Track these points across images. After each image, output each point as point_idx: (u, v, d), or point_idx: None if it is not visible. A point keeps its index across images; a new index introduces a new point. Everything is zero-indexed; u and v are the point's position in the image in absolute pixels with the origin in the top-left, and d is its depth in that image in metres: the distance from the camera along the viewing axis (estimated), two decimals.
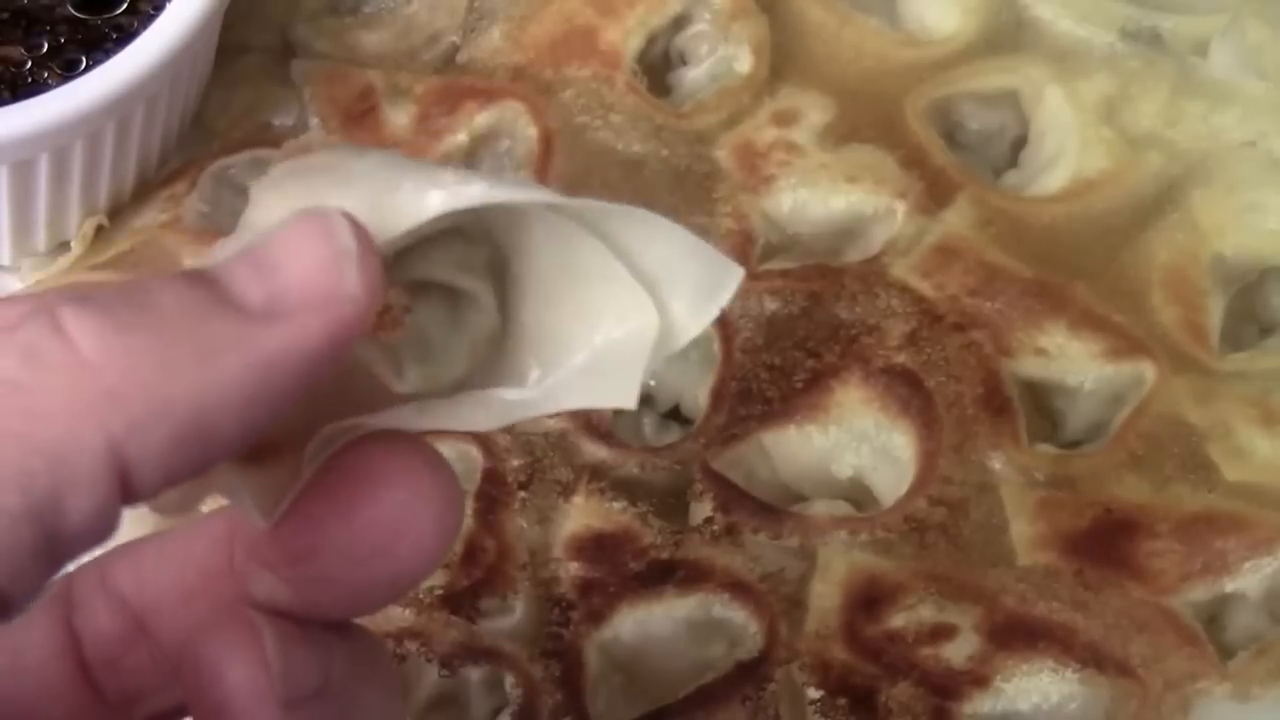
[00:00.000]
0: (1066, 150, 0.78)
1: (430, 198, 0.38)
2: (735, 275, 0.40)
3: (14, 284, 0.76)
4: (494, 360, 0.41)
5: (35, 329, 0.34)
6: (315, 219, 0.37)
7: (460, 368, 0.41)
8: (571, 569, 0.66)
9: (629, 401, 0.38)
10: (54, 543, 0.33)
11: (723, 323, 0.72)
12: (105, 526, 0.34)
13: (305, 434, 0.40)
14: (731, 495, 0.68)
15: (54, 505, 0.33)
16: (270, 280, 0.36)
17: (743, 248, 0.75)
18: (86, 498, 0.33)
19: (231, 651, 0.39)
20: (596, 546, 0.67)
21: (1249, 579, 0.66)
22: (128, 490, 0.34)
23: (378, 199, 0.38)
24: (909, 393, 0.70)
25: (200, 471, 0.36)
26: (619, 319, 0.40)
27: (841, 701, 0.63)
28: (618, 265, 0.39)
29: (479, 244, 0.41)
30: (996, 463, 0.69)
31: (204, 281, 0.36)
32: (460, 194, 0.38)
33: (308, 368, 0.36)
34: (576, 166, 0.77)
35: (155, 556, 0.44)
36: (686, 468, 0.69)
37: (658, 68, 0.83)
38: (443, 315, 0.41)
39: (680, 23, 0.83)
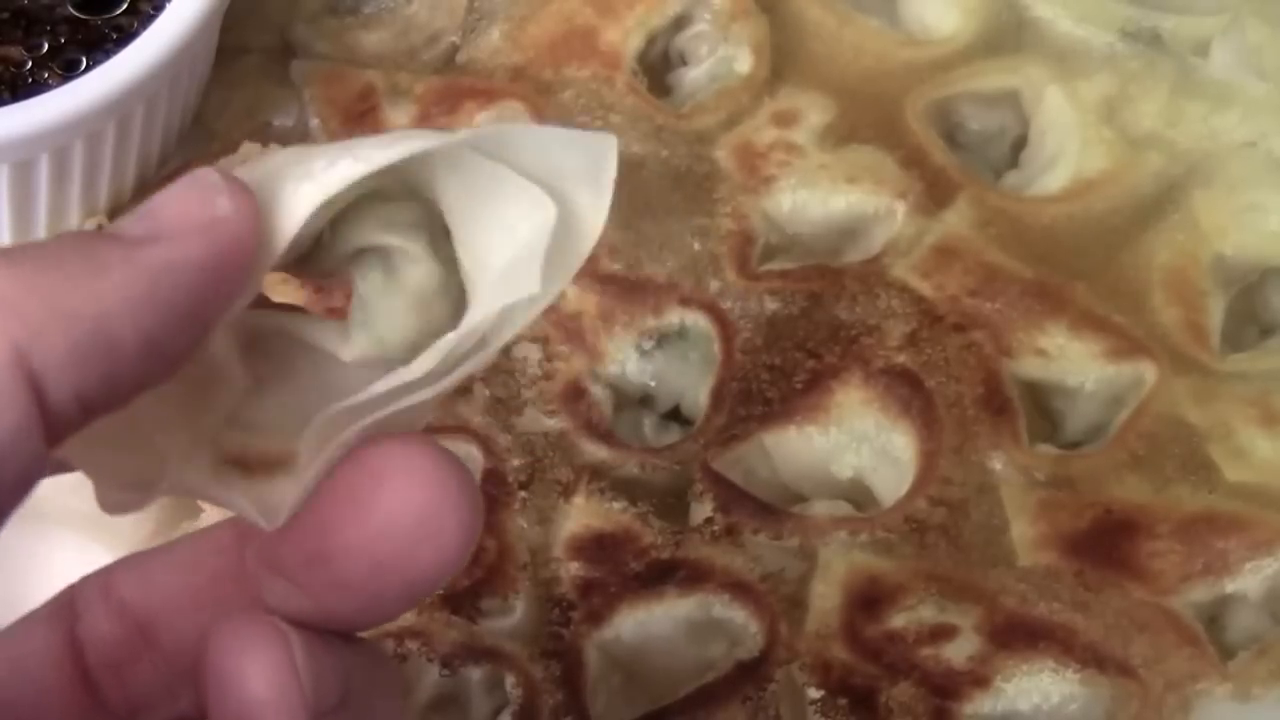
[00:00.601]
0: (1067, 150, 0.79)
1: (303, 193, 0.39)
2: (611, 144, 0.41)
3: None
4: (453, 311, 0.41)
5: None
6: (187, 176, 0.38)
7: (406, 325, 0.41)
8: (572, 569, 0.66)
9: (532, 286, 0.39)
10: None
11: (723, 323, 0.73)
12: (30, 447, 0.35)
13: (290, 434, 0.40)
14: (732, 495, 0.68)
15: None
16: (149, 218, 0.38)
17: (743, 248, 0.75)
18: (6, 411, 0.34)
19: (256, 660, 0.38)
20: (597, 546, 0.67)
21: (1249, 579, 0.66)
22: (44, 406, 0.34)
23: (271, 202, 0.39)
24: (909, 393, 0.70)
25: (112, 390, 0.36)
26: (525, 221, 0.40)
27: (842, 701, 0.63)
28: (512, 176, 0.40)
29: (403, 200, 0.41)
30: (997, 463, 0.69)
31: (91, 230, 0.37)
32: (328, 181, 0.39)
33: (192, 278, 0.37)
34: None
35: (162, 565, 0.44)
36: (687, 468, 0.70)
37: (657, 68, 0.83)
38: (380, 278, 0.41)
39: (680, 23, 0.83)
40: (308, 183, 0.39)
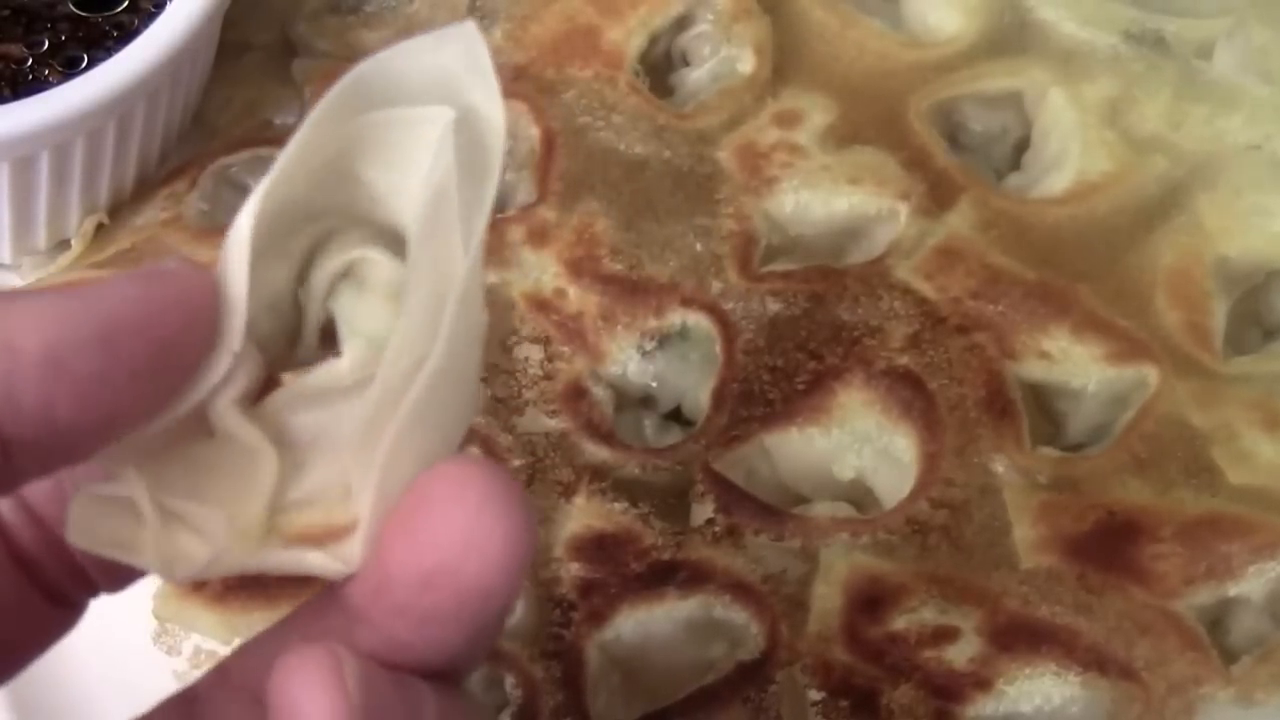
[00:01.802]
0: (1070, 153, 0.78)
1: (240, 221, 0.40)
2: (470, 30, 0.41)
3: (15, 281, 0.76)
4: None
5: None
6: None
7: (387, 317, 0.41)
8: (573, 569, 0.66)
9: (446, 182, 0.40)
10: None
11: (724, 324, 0.73)
12: None
13: (346, 497, 0.40)
14: (733, 496, 0.68)
15: None
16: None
17: (745, 249, 0.75)
18: None
19: (311, 682, 0.38)
20: (598, 547, 0.67)
21: (1253, 582, 0.66)
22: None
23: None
24: (911, 395, 0.70)
25: (64, 417, 0.37)
26: (431, 146, 0.41)
27: (843, 703, 0.63)
28: (401, 114, 0.41)
29: (350, 229, 0.42)
30: (999, 465, 0.69)
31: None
32: (253, 197, 0.40)
33: (131, 314, 0.38)
34: (578, 167, 0.77)
35: (271, 642, 0.44)
36: (688, 469, 0.69)
37: (660, 68, 0.84)
38: (351, 292, 0.42)
39: (682, 23, 0.83)
40: (242, 214, 0.40)
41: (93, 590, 0.45)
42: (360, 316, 0.41)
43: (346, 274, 0.42)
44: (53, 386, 0.37)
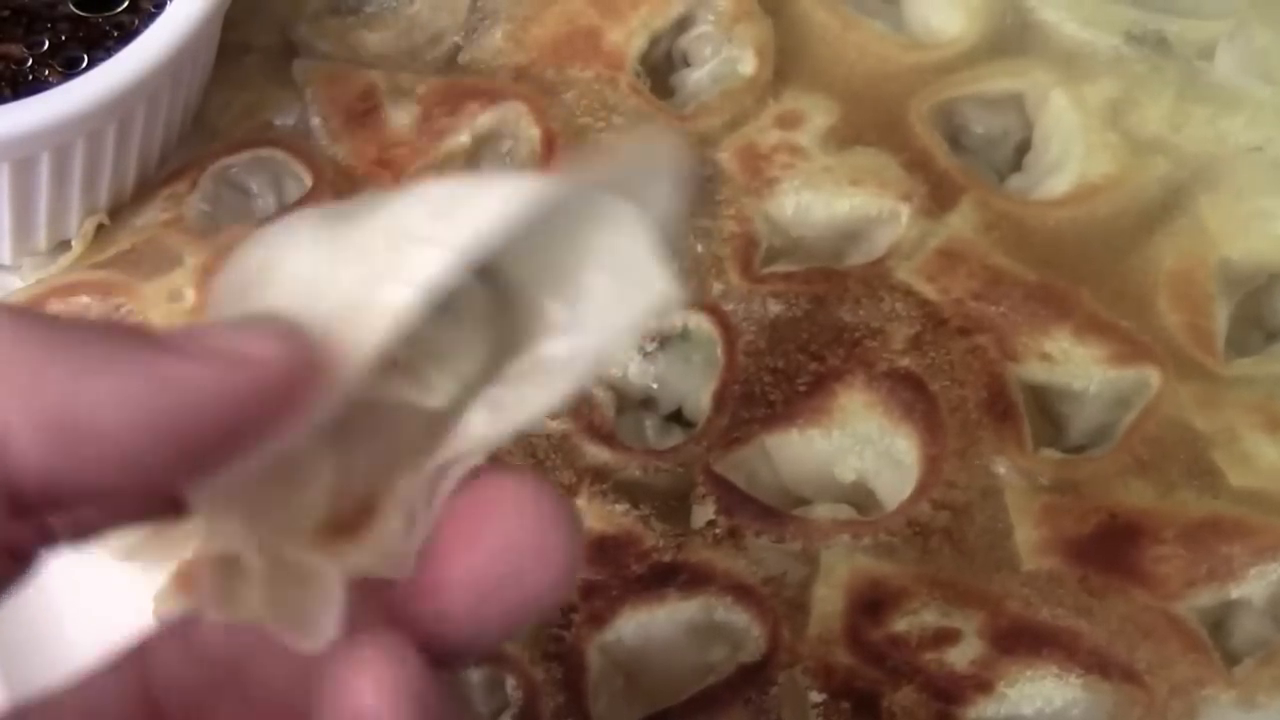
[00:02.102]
0: (1071, 154, 0.79)
1: (389, 304, 0.38)
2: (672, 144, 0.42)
3: (15, 283, 0.76)
4: (508, 332, 0.42)
5: None
6: (252, 315, 0.39)
7: (479, 351, 0.41)
8: None
9: (661, 284, 0.40)
10: None
11: (725, 325, 0.73)
12: None
13: (386, 493, 0.41)
14: (734, 498, 0.69)
15: None
16: (191, 336, 0.38)
17: (746, 250, 0.75)
18: None
19: (368, 674, 0.38)
20: (598, 549, 0.67)
21: (1254, 585, 0.66)
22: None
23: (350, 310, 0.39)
24: (913, 396, 0.71)
25: (90, 480, 0.36)
26: (608, 232, 0.41)
27: (844, 705, 0.63)
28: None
29: None
30: (1000, 467, 0.69)
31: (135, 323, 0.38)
32: (418, 283, 0.38)
33: (205, 403, 0.37)
34: None
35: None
36: (689, 470, 0.70)
37: (660, 69, 0.84)
38: (438, 315, 0.41)
39: (683, 24, 0.84)
40: (393, 286, 0.38)
41: (50, 541, 0.43)
42: (451, 351, 0.41)
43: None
44: (117, 476, 0.36)
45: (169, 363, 0.37)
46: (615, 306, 0.41)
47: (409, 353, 0.41)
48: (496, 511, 0.40)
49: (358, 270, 0.39)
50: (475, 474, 0.40)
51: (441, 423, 0.41)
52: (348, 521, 0.40)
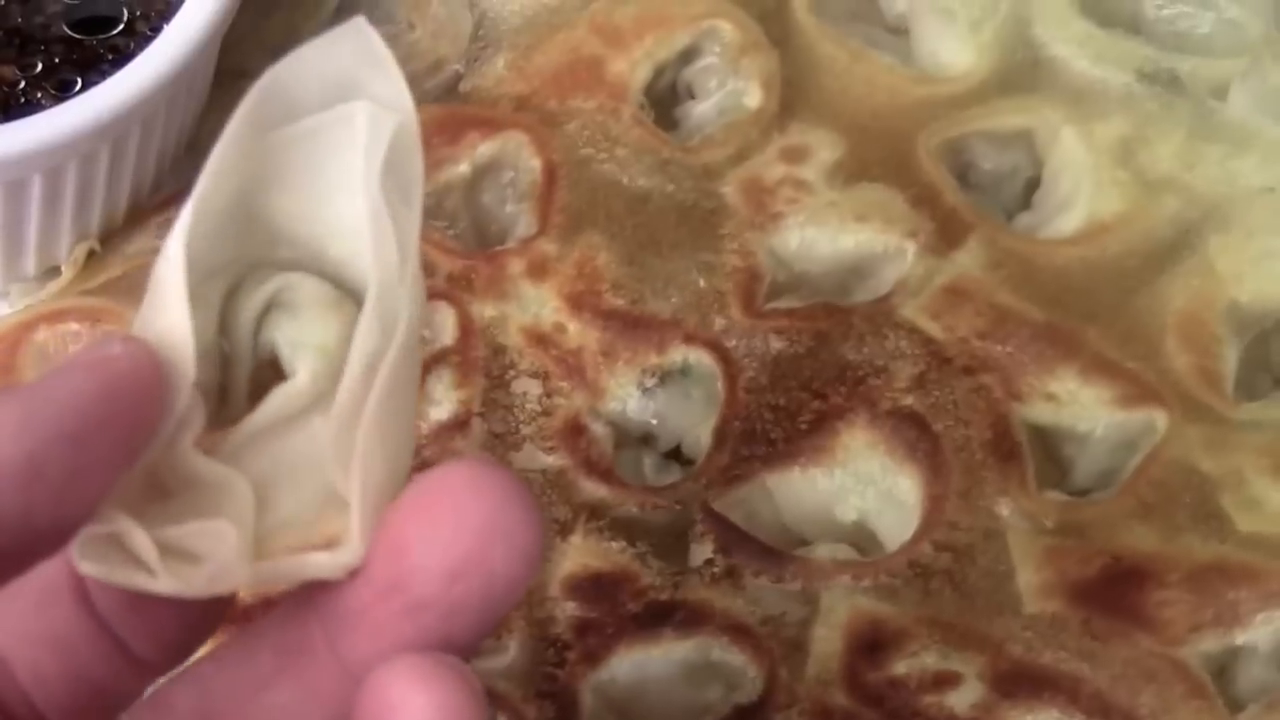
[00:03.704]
0: (1081, 192, 0.80)
1: (169, 263, 0.41)
2: (360, 25, 0.43)
3: (3, 309, 0.77)
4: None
5: None
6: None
7: (331, 325, 0.43)
8: (568, 609, 0.68)
9: (374, 197, 0.41)
10: None
11: (727, 361, 0.74)
12: None
13: (313, 504, 0.42)
14: (733, 537, 0.70)
15: None
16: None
17: (749, 286, 0.77)
18: None
19: (414, 690, 0.39)
20: (594, 587, 0.68)
21: (1260, 631, 0.67)
22: None
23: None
24: (916, 436, 0.72)
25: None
26: (344, 152, 0.42)
27: None
28: (302, 127, 0.42)
29: (264, 268, 0.44)
30: (1004, 509, 0.71)
31: None
32: (171, 261, 0.41)
33: (75, 404, 0.39)
34: (580, 199, 0.79)
35: (231, 662, 0.45)
36: (687, 508, 0.71)
37: (665, 101, 0.85)
38: (282, 315, 0.43)
39: (689, 55, 0.85)
40: (171, 242, 0.41)
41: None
42: (306, 332, 0.43)
43: (271, 306, 0.43)
44: (31, 494, 0.38)
45: (39, 383, 0.40)
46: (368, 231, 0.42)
47: (278, 368, 0.43)
48: (459, 494, 0.41)
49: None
50: (436, 468, 0.41)
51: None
52: (292, 545, 0.42)
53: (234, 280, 0.43)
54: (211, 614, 0.45)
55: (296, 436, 0.43)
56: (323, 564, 0.41)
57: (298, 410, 0.43)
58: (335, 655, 0.42)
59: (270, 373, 0.43)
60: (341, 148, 0.42)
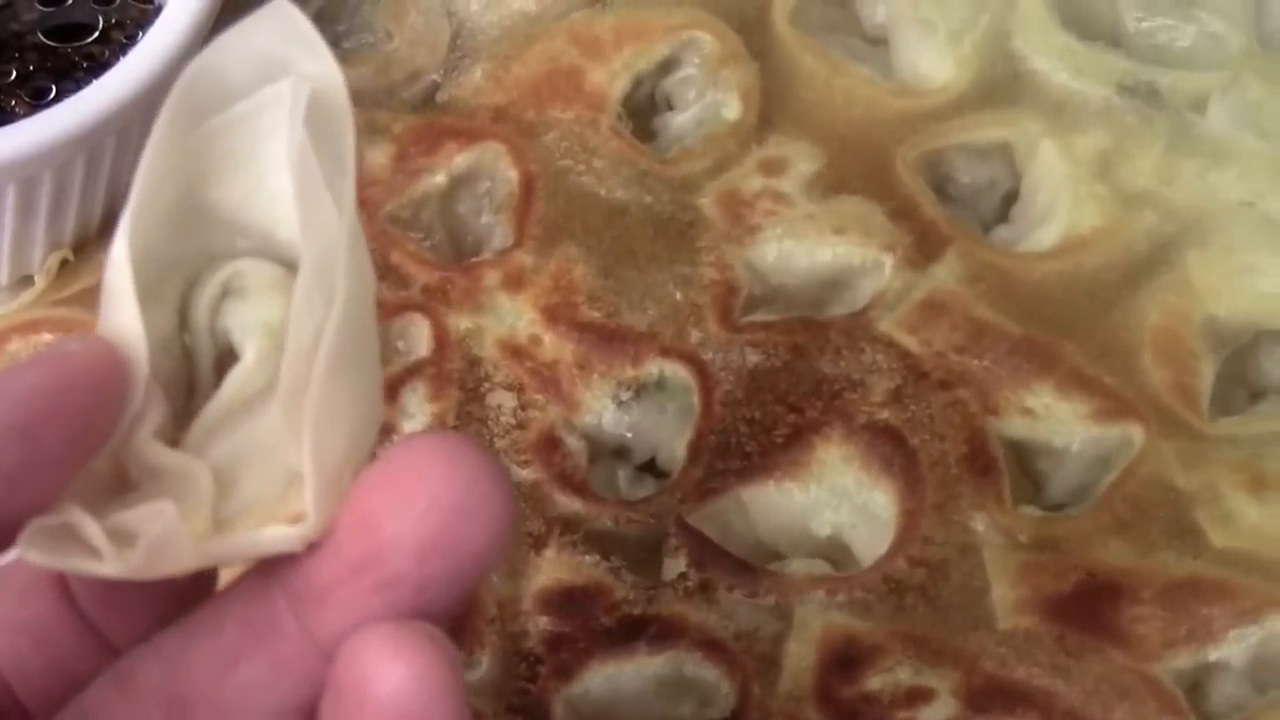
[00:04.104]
0: (1059, 205, 0.80)
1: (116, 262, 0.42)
2: (281, 6, 0.42)
3: None
4: None
5: None
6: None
7: (279, 305, 0.43)
8: (541, 623, 0.68)
9: (294, 148, 0.41)
10: None
11: (703, 374, 0.74)
12: None
13: (273, 487, 0.42)
14: (707, 551, 0.70)
15: None
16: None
17: (725, 299, 0.77)
18: None
19: (390, 660, 0.39)
20: (567, 601, 0.68)
21: (1233, 647, 0.68)
22: None
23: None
24: (892, 450, 0.72)
25: None
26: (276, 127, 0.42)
27: None
28: (230, 115, 0.42)
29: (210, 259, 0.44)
30: (979, 524, 0.71)
31: None
32: (116, 261, 0.41)
33: (30, 396, 0.40)
34: (557, 211, 0.79)
35: (198, 634, 0.45)
36: (661, 522, 0.71)
37: (643, 112, 0.85)
38: (233, 300, 0.43)
39: (668, 66, 0.85)
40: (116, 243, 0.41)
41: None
42: (253, 313, 0.43)
43: (225, 294, 0.43)
44: None
45: (4, 376, 0.40)
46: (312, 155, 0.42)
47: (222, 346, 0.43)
48: (430, 468, 0.40)
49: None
50: (404, 441, 0.41)
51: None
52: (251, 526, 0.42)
53: (192, 275, 0.43)
54: (188, 604, 0.45)
55: (255, 419, 0.43)
56: (278, 538, 0.41)
57: (253, 393, 0.43)
58: (303, 630, 0.42)
59: (232, 361, 0.44)
60: (273, 128, 0.42)
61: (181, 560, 0.41)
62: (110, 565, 0.40)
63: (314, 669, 0.42)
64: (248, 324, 0.43)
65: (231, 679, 0.43)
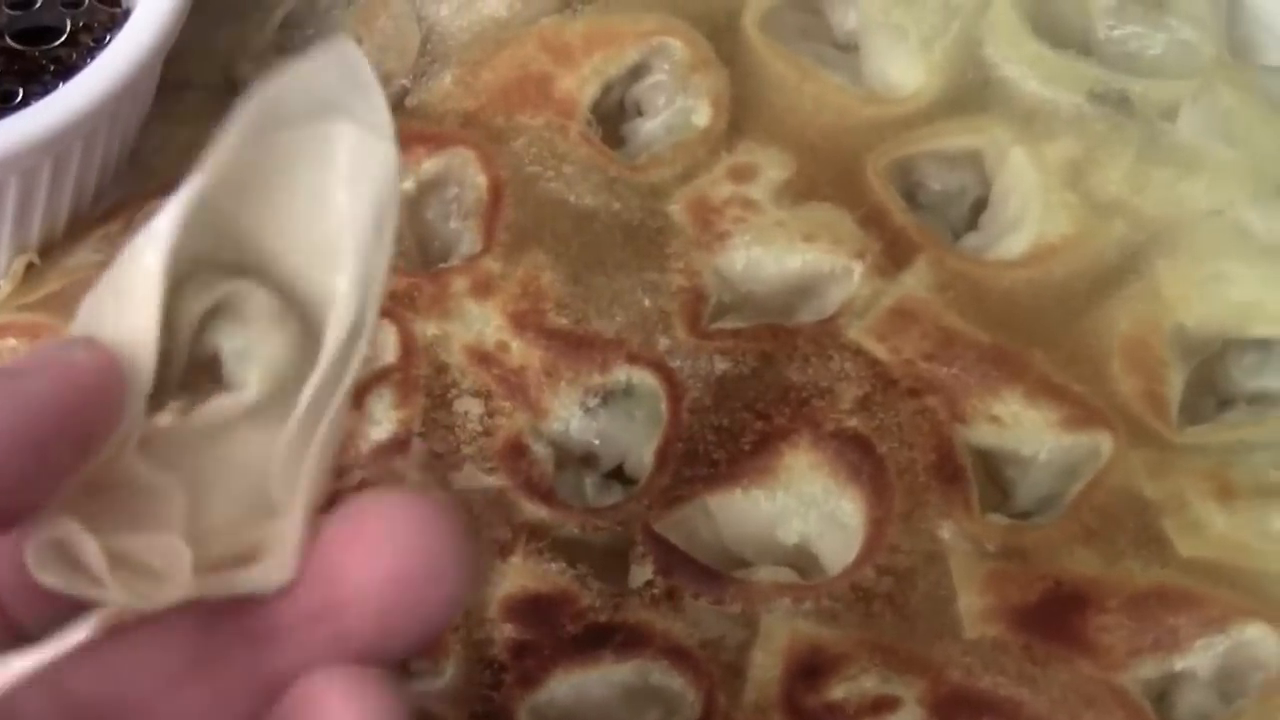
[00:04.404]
0: (1029, 213, 0.80)
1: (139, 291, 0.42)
2: (345, 44, 0.43)
3: None
4: (304, 320, 0.44)
5: None
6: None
7: (278, 344, 0.44)
8: (506, 630, 0.68)
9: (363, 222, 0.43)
10: None
11: (671, 382, 0.74)
12: None
13: (242, 511, 0.43)
14: (674, 559, 0.70)
15: None
16: (15, 361, 0.43)
17: (694, 306, 0.77)
18: None
19: (340, 704, 0.40)
20: (532, 608, 0.68)
21: (1200, 657, 0.68)
22: None
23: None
24: (860, 458, 0.72)
25: None
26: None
27: None
28: (283, 140, 0.43)
29: (206, 274, 0.44)
30: (946, 532, 0.71)
31: None
32: (146, 269, 0.42)
33: (36, 407, 0.40)
34: (526, 217, 0.79)
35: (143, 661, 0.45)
36: (628, 529, 0.71)
37: (613, 118, 0.85)
38: (231, 325, 0.44)
39: (638, 72, 0.85)
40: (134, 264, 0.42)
41: None
42: (255, 345, 0.43)
43: (218, 308, 0.44)
44: None
45: (12, 380, 0.40)
46: (359, 211, 0.43)
47: (214, 370, 0.44)
48: (390, 527, 0.41)
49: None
50: (373, 496, 0.42)
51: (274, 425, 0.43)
52: (225, 565, 0.42)
53: (181, 274, 0.43)
54: None
55: (230, 443, 0.43)
56: (256, 580, 0.42)
57: (236, 419, 0.43)
58: (254, 663, 0.43)
59: (200, 373, 0.44)
60: (316, 165, 0.43)
61: (174, 595, 0.42)
62: (117, 595, 0.41)
63: (257, 704, 0.42)
64: (246, 352, 0.43)
65: (171, 701, 0.43)
